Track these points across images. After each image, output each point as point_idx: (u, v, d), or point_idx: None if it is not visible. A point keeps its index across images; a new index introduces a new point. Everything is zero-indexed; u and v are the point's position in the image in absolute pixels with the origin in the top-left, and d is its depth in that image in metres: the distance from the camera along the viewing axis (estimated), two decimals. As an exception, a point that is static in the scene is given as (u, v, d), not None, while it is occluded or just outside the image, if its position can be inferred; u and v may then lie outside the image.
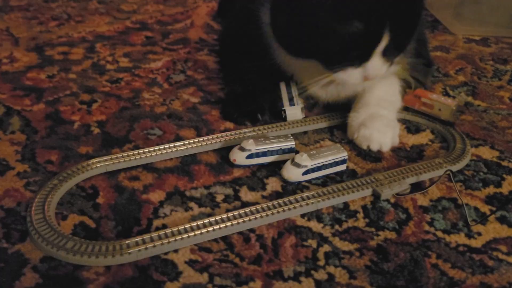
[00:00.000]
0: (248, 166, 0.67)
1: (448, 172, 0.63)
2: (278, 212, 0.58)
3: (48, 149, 0.69)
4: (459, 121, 0.80)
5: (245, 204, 0.60)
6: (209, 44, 1.07)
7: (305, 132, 0.76)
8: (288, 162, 0.64)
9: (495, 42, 1.14)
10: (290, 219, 0.58)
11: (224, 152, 0.69)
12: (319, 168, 0.64)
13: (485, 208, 0.61)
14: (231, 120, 0.78)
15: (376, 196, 0.62)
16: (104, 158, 0.65)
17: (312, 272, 0.51)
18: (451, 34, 1.18)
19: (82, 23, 1.16)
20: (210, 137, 0.71)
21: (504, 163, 0.70)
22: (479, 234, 0.57)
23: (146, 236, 0.53)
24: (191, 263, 0.52)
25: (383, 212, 0.60)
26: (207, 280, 0.50)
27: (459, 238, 0.56)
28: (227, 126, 0.77)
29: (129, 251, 0.51)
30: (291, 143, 0.67)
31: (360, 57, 0.66)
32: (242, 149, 0.66)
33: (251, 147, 0.66)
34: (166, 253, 0.52)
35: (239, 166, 0.67)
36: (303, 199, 0.60)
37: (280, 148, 0.67)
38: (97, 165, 0.64)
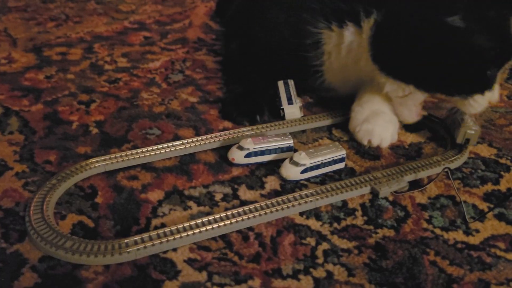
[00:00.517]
0: (247, 165, 0.67)
1: (446, 170, 0.63)
2: (276, 210, 0.58)
3: (46, 149, 0.69)
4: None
5: (243, 203, 0.60)
6: (208, 44, 1.07)
7: (304, 131, 0.76)
8: (287, 161, 0.64)
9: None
10: (288, 217, 0.58)
11: (222, 151, 0.69)
12: (317, 167, 0.64)
13: (483, 205, 0.61)
14: (230, 119, 0.78)
15: (374, 194, 0.62)
16: (103, 158, 0.65)
17: (311, 270, 0.51)
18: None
19: (80, 23, 1.16)
20: (208, 136, 0.71)
21: (502, 161, 0.70)
22: (477, 231, 0.57)
23: (145, 235, 0.53)
24: (190, 261, 0.52)
25: (381, 210, 0.60)
26: (206, 278, 0.50)
27: (457, 235, 0.56)
28: (226, 126, 0.77)
29: (128, 250, 0.51)
30: (289, 142, 0.67)
31: (492, 81, 0.66)
32: (241, 148, 0.66)
33: (250, 146, 0.66)
34: (165, 252, 0.53)
35: (237, 165, 0.67)
36: (302, 197, 0.60)
37: (279, 147, 0.67)
38: (96, 165, 0.64)
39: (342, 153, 0.65)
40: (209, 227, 0.55)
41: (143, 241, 0.52)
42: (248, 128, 0.74)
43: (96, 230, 0.55)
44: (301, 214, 0.59)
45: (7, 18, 1.18)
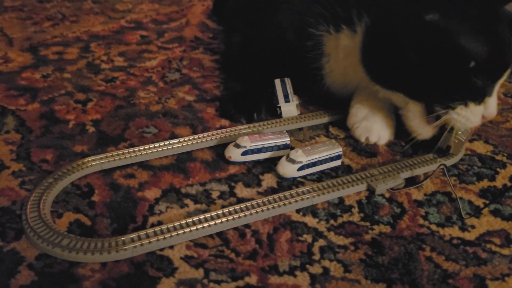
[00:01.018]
0: (244, 163, 0.67)
1: (442, 167, 0.63)
2: (273, 207, 0.58)
3: (43, 148, 0.69)
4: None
5: (240, 200, 0.61)
6: (205, 42, 1.07)
7: (301, 129, 0.76)
8: (283, 158, 0.64)
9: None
10: (285, 214, 0.58)
11: (219, 149, 0.70)
12: (314, 164, 0.64)
13: (479, 202, 0.61)
14: (228, 117, 0.78)
15: (371, 191, 0.63)
16: (99, 156, 0.65)
17: (307, 266, 0.51)
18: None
19: (76, 23, 1.16)
20: (205, 134, 0.71)
21: (498, 157, 0.70)
22: (473, 227, 0.57)
23: (142, 233, 0.53)
24: (186, 259, 0.52)
25: (378, 206, 0.60)
26: (203, 275, 0.50)
27: (453, 231, 0.57)
28: (223, 124, 0.77)
29: (124, 248, 0.51)
30: (286, 139, 0.68)
31: (486, 91, 0.61)
32: (237, 145, 0.66)
33: (246, 144, 0.66)
34: (161, 249, 0.53)
35: (234, 163, 0.67)
36: (298, 195, 0.60)
37: (275, 145, 0.67)
38: (92, 163, 0.64)
39: (338, 150, 0.66)
40: (205, 224, 0.55)
41: (139, 238, 0.53)
42: (245, 126, 0.74)
43: (93, 228, 0.55)
44: (297, 211, 0.59)
45: (3, 17, 1.18)
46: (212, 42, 1.07)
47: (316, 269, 0.51)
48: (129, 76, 0.91)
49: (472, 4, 0.59)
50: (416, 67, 0.62)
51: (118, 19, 1.19)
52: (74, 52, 1.00)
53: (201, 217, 0.56)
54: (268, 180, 0.64)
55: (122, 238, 0.52)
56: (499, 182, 0.65)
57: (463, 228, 0.57)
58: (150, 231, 0.53)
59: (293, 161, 0.63)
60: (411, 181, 0.64)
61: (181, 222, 0.55)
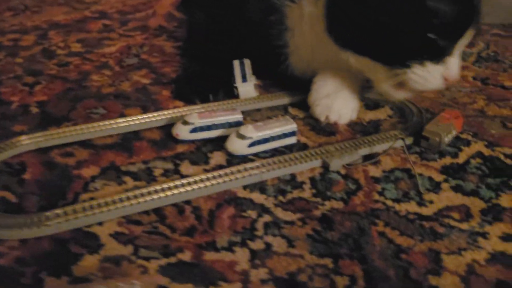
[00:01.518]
0: (193, 141, 0.63)
1: (401, 141, 0.59)
2: (218, 183, 0.54)
3: (-21, 128, 0.64)
4: (419, 98, 0.77)
5: (184, 178, 0.56)
6: (169, 30, 1.04)
7: (259, 109, 0.73)
8: (233, 134, 0.60)
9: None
10: (231, 191, 0.54)
11: (170, 129, 0.65)
12: (266, 140, 0.60)
13: (440, 178, 0.58)
14: (182, 98, 0.74)
15: (326, 167, 0.59)
16: (37, 134, 0.61)
17: (248, 242, 0.47)
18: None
19: (38, 13, 1.12)
20: (155, 114, 0.67)
21: (463, 136, 0.67)
22: (431, 202, 0.53)
23: (68, 208, 0.48)
24: (116, 235, 0.47)
25: (331, 183, 0.56)
26: (132, 251, 0.45)
27: (410, 207, 0.53)
28: (177, 105, 0.73)
29: (47, 223, 0.47)
30: (238, 116, 0.64)
31: (445, 50, 0.58)
32: (185, 123, 0.62)
33: (195, 121, 0.62)
34: (89, 226, 0.48)
35: (183, 142, 0.63)
36: (246, 170, 0.56)
37: (227, 121, 0.63)
38: (27, 142, 0.59)
39: (292, 126, 0.62)
40: (141, 199, 0.50)
41: (65, 214, 0.48)
42: (199, 106, 0.70)
43: (20, 206, 0.51)
44: (244, 187, 0.55)
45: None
46: (176, 30, 1.04)
47: (257, 245, 0.47)
48: (85, 62, 0.87)
49: None
50: (379, 25, 0.58)
51: (83, 9, 1.15)
52: (30, 39, 0.96)
53: (137, 192, 0.51)
54: (217, 158, 0.60)
55: (46, 214, 0.48)
56: (461, 159, 0.61)
57: (420, 203, 0.53)
58: (78, 206, 0.49)
59: (243, 137, 0.59)
60: (371, 159, 0.60)
61: (114, 198, 0.50)
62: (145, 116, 0.67)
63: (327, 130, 0.67)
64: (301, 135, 0.65)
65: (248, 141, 0.59)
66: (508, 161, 0.61)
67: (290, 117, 0.64)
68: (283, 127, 0.61)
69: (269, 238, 0.48)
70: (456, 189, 0.56)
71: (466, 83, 0.84)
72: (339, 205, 0.53)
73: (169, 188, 0.52)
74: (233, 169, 0.56)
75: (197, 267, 0.44)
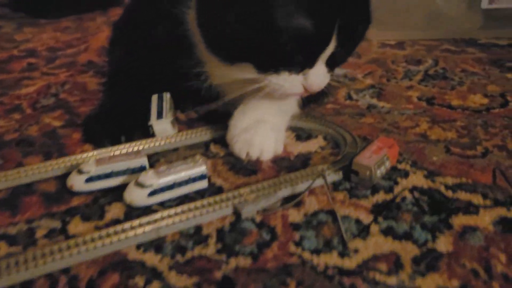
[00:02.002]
0: (91, 192, 0.55)
1: (322, 175, 0.52)
2: (103, 245, 0.45)
3: None
4: (357, 124, 0.70)
5: (70, 238, 0.48)
6: (98, 66, 0.97)
7: (176, 149, 0.65)
8: (132, 183, 0.52)
9: (411, 45, 1.07)
10: (121, 252, 0.46)
11: (69, 178, 0.57)
12: (169, 188, 0.52)
13: (369, 219, 0.50)
14: (91, 141, 0.66)
15: (238, 214, 0.51)
16: None
17: (126, 320, 0.39)
18: (365, 40, 1.10)
19: (-39, 55, 1.05)
20: (53, 162, 0.59)
21: (401, 166, 0.59)
22: (356, 251, 0.46)
23: None
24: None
25: (243, 234, 0.48)
26: None
27: (330, 259, 0.45)
28: (86, 149, 0.65)
29: None
30: (141, 160, 0.56)
31: (303, 63, 0.55)
32: (80, 171, 0.54)
33: (91, 169, 0.54)
34: None
35: (79, 193, 0.55)
36: (141, 225, 0.48)
37: (128, 168, 0.55)
38: None
39: (201, 169, 0.54)
40: (6, 272, 0.42)
41: None
42: (104, 150, 0.62)
43: None
44: (138, 246, 0.47)
45: None
46: (106, 65, 0.96)
47: (137, 323, 0.38)
48: (-5, 105, 0.79)
49: None
50: (235, 38, 0.54)
51: (10, 48, 1.08)
52: None
53: (2, 263, 0.43)
54: (114, 211, 0.52)
55: None
56: (396, 195, 0.54)
57: (343, 254, 0.45)
58: None
59: (141, 185, 0.51)
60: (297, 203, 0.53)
61: (-30, 273, 0.42)
62: (41, 165, 0.59)
63: (248, 168, 0.60)
64: (218, 177, 0.58)
65: (148, 190, 0.51)
66: (449, 193, 0.54)
67: (204, 157, 0.56)
68: (190, 171, 0.53)
69: (152, 313, 0.39)
70: (387, 232, 0.48)
71: (410, 104, 0.77)
72: (246, 262, 0.45)
73: (43, 256, 0.44)
74: (126, 225, 0.48)
75: None
